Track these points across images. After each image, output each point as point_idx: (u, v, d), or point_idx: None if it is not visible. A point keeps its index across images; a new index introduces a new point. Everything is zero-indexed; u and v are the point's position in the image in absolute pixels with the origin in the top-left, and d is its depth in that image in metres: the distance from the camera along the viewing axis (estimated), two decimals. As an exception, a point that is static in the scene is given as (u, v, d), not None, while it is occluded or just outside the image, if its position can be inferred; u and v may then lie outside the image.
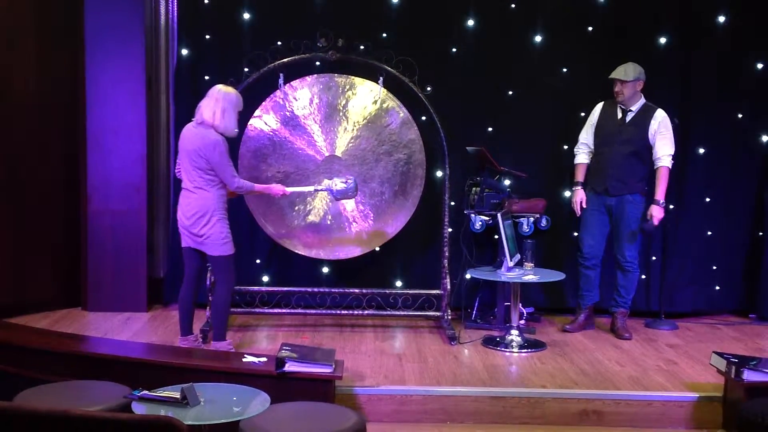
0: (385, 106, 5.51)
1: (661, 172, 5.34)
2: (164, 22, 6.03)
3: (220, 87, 4.69)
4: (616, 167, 5.42)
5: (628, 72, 5.35)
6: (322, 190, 5.13)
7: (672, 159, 5.38)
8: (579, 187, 5.60)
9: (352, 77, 5.51)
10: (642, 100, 5.44)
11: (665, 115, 5.38)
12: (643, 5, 5.88)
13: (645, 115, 5.39)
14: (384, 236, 5.61)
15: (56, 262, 5.87)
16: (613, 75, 5.39)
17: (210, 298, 5.16)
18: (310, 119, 5.50)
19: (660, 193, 5.33)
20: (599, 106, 5.59)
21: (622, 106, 5.45)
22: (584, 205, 5.55)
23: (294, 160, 5.49)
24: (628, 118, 5.43)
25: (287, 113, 5.49)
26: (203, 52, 5.87)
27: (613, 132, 5.46)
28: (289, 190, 5.01)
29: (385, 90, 5.47)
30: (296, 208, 5.53)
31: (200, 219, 4.60)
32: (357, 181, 5.10)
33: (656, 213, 5.33)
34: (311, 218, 5.55)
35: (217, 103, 4.60)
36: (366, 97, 5.51)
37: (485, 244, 5.82)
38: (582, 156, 5.62)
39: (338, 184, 5.02)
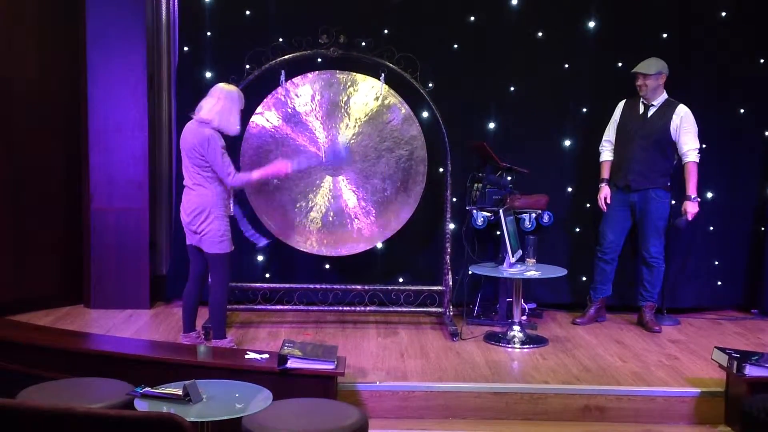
0: (386, 102, 5.51)
1: (689, 167, 5.39)
2: (165, 20, 6.03)
3: (222, 86, 4.70)
4: (636, 161, 5.45)
5: (650, 66, 5.40)
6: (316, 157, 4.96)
7: (698, 153, 5.41)
8: (604, 184, 5.64)
9: (354, 74, 5.50)
10: (664, 95, 5.48)
11: (688, 110, 5.41)
12: (645, 0, 5.87)
13: (667, 110, 5.43)
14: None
15: (59, 259, 5.88)
16: (636, 69, 5.43)
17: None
18: (311, 116, 5.50)
19: (691, 189, 5.39)
20: (621, 103, 5.63)
21: (644, 101, 5.48)
22: (608, 201, 5.60)
23: (296, 156, 5.49)
24: (650, 112, 5.47)
25: (289, 110, 5.49)
26: (204, 50, 5.86)
27: (635, 127, 5.49)
28: (294, 164, 4.97)
29: (387, 86, 5.47)
30: (298, 205, 5.54)
31: (199, 216, 4.61)
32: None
33: (690, 209, 5.40)
34: (313, 215, 5.55)
35: (218, 102, 4.60)
36: (368, 93, 5.50)
37: (487, 240, 5.83)
38: (606, 153, 5.66)
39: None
